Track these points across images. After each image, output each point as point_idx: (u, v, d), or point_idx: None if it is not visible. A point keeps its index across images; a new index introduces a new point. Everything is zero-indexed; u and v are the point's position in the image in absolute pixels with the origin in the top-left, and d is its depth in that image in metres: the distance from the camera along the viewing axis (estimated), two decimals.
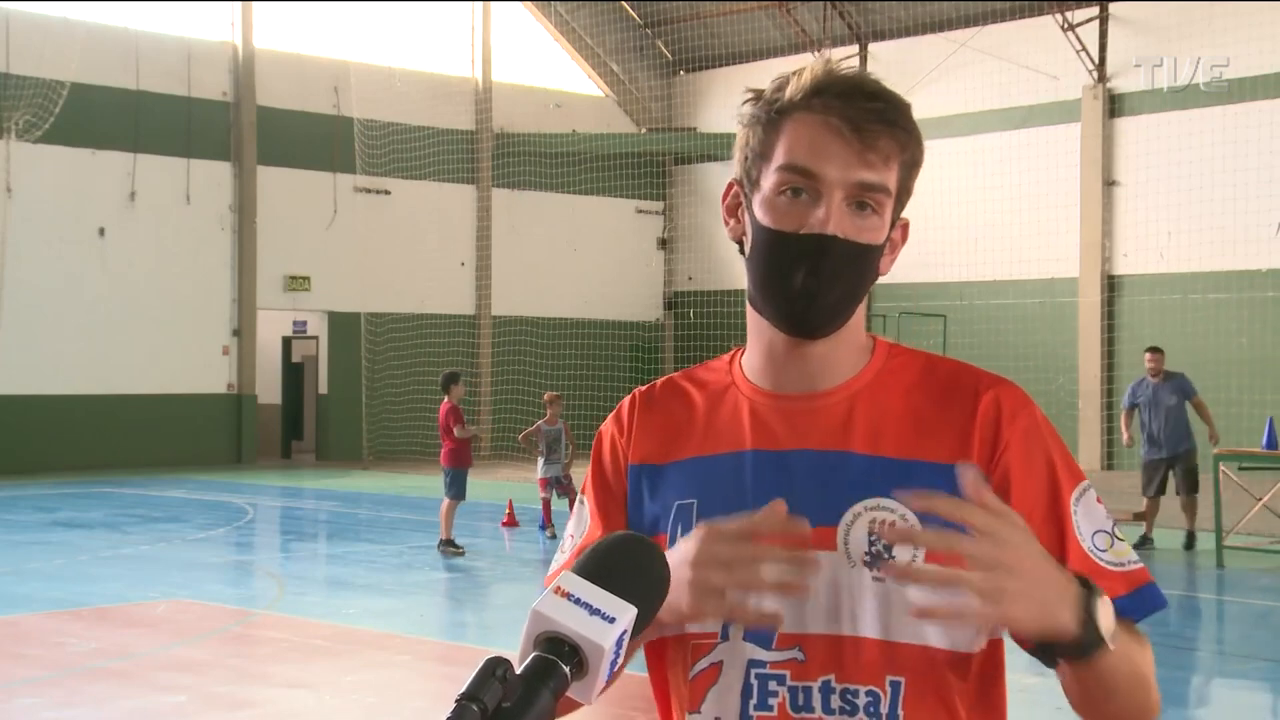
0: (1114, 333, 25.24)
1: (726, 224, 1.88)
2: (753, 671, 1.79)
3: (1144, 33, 25.04)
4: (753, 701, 1.78)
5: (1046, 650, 1.66)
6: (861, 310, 1.87)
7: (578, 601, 1.41)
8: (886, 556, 1.75)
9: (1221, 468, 14.11)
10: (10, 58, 23.96)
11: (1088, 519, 1.80)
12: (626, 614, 1.42)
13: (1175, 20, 24.40)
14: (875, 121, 1.76)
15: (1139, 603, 1.77)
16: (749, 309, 1.89)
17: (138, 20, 25.52)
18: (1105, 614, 1.64)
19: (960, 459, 1.77)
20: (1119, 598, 1.74)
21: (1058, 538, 1.77)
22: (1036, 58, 25.90)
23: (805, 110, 1.78)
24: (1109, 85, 25.44)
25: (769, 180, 1.80)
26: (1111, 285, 25.43)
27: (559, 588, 1.42)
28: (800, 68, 1.82)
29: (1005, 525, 1.58)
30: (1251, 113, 23.49)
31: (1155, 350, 15.15)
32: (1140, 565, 1.80)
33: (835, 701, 1.76)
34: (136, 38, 25.34)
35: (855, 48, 28.79)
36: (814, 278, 1.76)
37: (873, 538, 1.76)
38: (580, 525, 1.94)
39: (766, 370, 1.88)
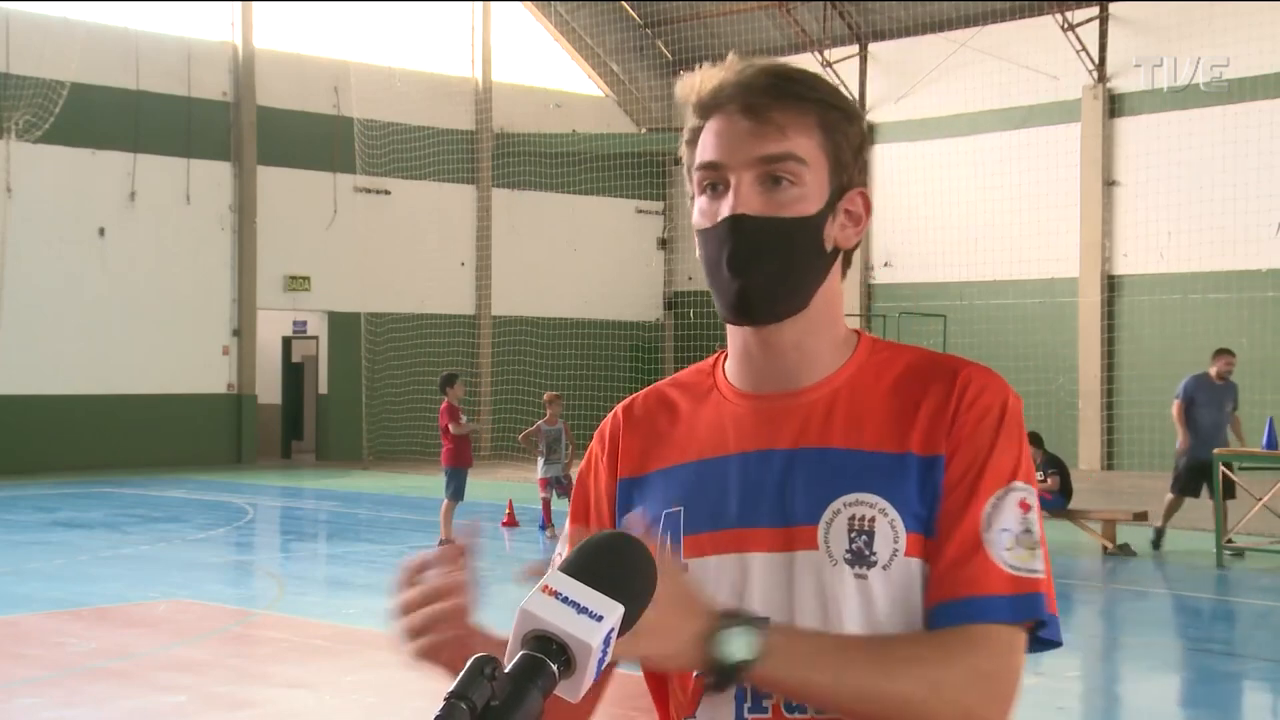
0: (1114, 333, 25.22)
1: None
2: None
3: (1144, 33, 25.03)
4: (746, 705, 1.78)
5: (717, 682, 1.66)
6: (836, 302, 1.87)
7: (565, 600, 1.41)
8: (868, 554, 1.75)
9: (1222, 468, 14.10)
10: (10, 58, 23.96)
11: (1001, 513, 1.74)
12: (614, 612, 1.42)
13: (1175, 20, 24.39)
14: (761, 96, 1.78)
15: (1014, 608, 1.72)
16: None
17: (138, 20, 25.52)
18: (738, 641, 1.62)
19: (943, 449, 1.77)
20: (994, 595, 1.71)
21: (957, 515, 1.74)
22: (1036, 58, 25.89)
23: (709, 114, 1.83)
24: (1109, 85, 25.43)
25: (694, 188, 1.85)
26: (1111, 285, 25.41)
27: (546, 586, 1.42)
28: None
29: None
30: (1251, 113, 23.48)
31: (1230, 353, 14.91)
32: (1039, 577, 1.74)
33: None
34: (136, 38, 25.33)
35: (855, 48, 28.79)
36: (737, 259, 1.79)
37: (853, 535, 1.76)
38: (565, 547, 1.94)
39: (745, 371, 1.88)
